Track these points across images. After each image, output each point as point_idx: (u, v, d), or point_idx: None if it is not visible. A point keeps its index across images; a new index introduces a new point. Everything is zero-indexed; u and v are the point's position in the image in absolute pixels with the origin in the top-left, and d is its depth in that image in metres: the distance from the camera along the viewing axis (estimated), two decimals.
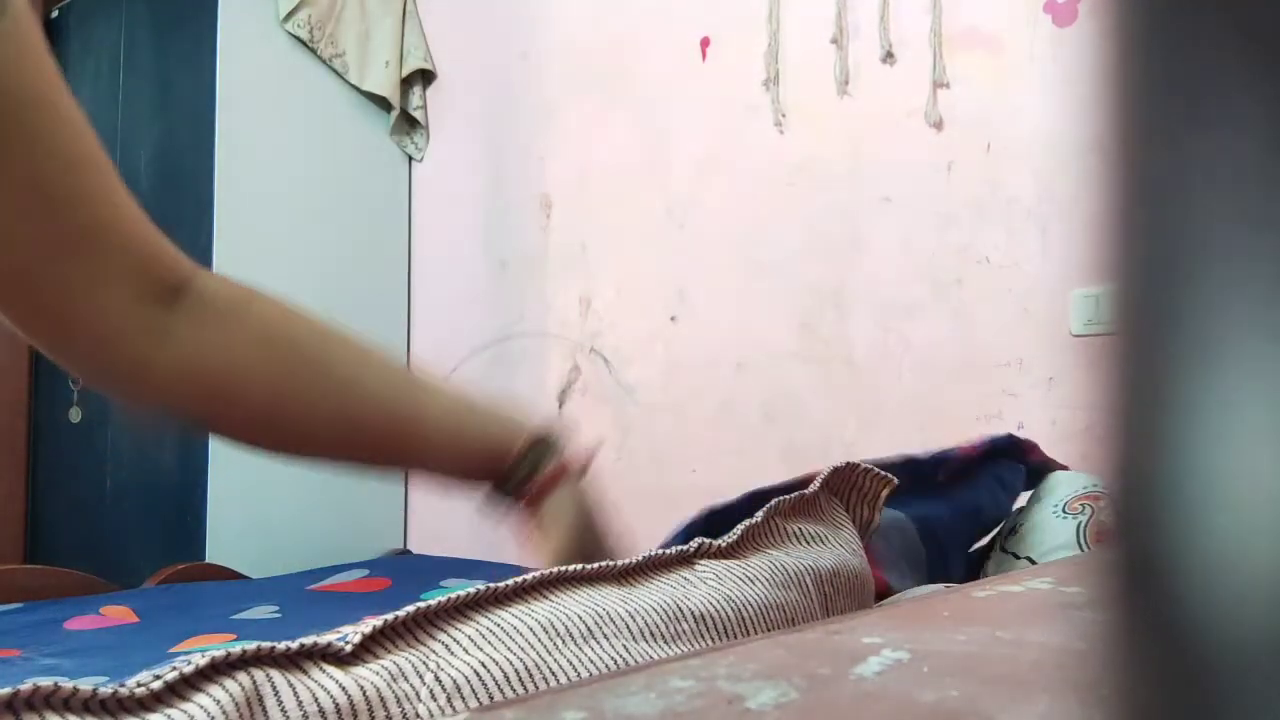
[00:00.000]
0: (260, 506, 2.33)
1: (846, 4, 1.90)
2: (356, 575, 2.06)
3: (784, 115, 1.98)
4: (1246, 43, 0.11)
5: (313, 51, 2.48)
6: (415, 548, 2.59)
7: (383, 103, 2.60)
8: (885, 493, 0.75)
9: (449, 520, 2.54)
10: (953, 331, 1.76)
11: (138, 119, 2.52)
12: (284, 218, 2.41)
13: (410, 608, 0.47)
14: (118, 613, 1.68)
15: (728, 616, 0.56)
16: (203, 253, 2.26)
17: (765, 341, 2.00)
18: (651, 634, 0.52)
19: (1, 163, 0.55)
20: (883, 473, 0.75)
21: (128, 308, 0.61)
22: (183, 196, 2.34)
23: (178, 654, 1.41)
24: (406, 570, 2.14)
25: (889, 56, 1.84)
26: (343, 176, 2.54)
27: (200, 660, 0.39)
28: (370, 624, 0.45)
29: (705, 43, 2.12)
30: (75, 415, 2.61)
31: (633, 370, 2.21)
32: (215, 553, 2.23)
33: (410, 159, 2.68)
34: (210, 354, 0.64)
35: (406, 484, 2.63)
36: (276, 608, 1.72)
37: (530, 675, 0.46)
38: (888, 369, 1.83)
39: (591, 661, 0.49)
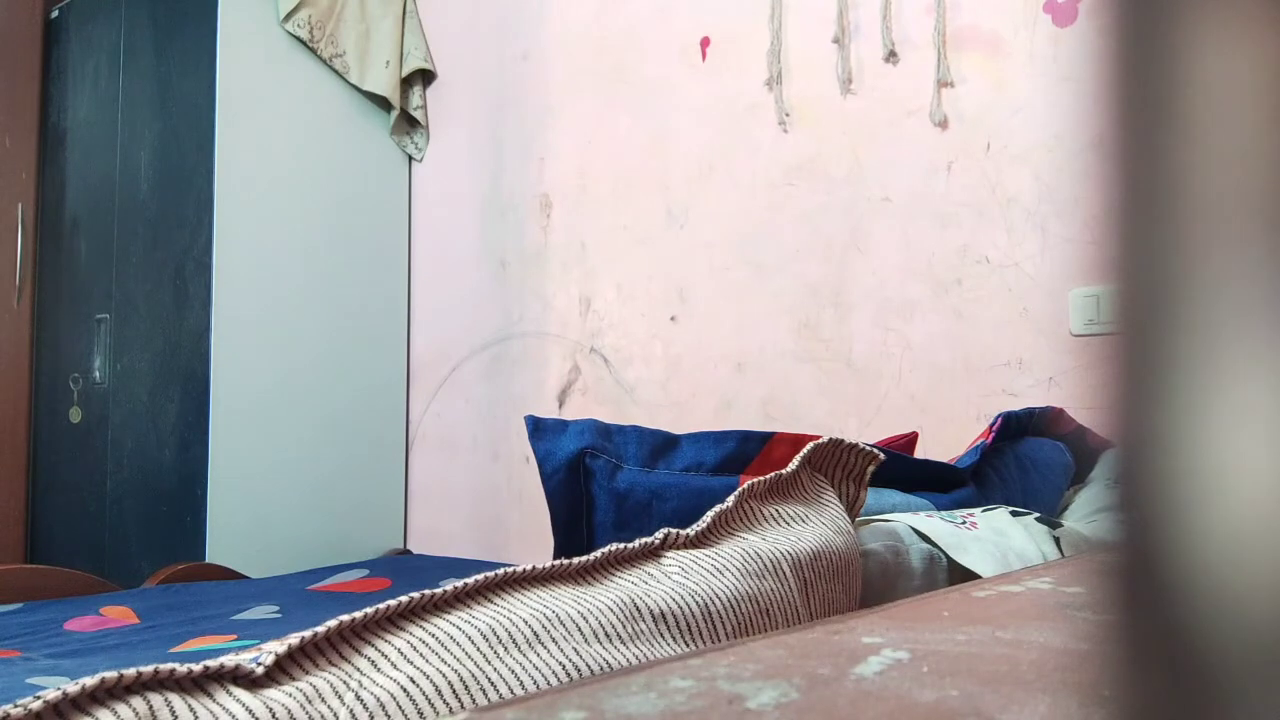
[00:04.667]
0: (260, 506, 2.33)
1: (848, 3, 1.90)
2: (356, 575, 2.06)
3: (788, 114, 1.98)
4: (1243, 42, 0.11)
5: (313, 51, 2.48)
6: (415, 548, 2.59)
7: (383, 103, 2.60)
8: (871, 469, 0.73)
9: (449, 520, 2.54)
10: (953, 331, 1.76)
11: (138, 119, 2.52)
12: (284, 218, 2.41)
13: (333, 621, 0.44)
14: (118, 613, 1.68)
15: (692, 613, 0.53)
16: (203, 253, 2.26)
17: (765, 341, 2.00)
18: (606, 635, 0.49)
19: None
20: (869, 448, 0.74)
21: None
22: (183, 196, 2.34)
23: (178, 654, 1.41)
24: (406, 570, 2.13)
25: (891, 55, 1.84)
26: (343, 176, 2.54)
27: (90, 683, 0.36)
28: (288, 642, 0.42)
29: (705, 43, 2.12)
30: (75, 416, 2.61)
31: (633, 370, 2.21)
32: (215, 553, 2.23)
33: (410, 159, 2.68)
34: None
35: (406, 484, 2.63)
36: (276, 608, 1.72)
37: (466, 688, 0.43)
38: (888, 369, 1.83)
39: (536, 669, 0.46)
